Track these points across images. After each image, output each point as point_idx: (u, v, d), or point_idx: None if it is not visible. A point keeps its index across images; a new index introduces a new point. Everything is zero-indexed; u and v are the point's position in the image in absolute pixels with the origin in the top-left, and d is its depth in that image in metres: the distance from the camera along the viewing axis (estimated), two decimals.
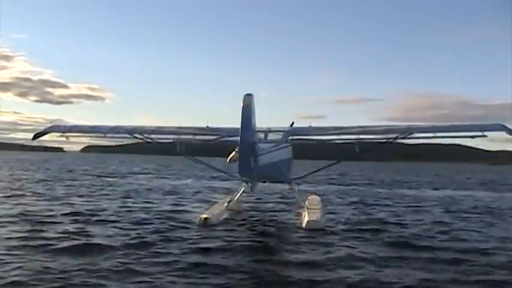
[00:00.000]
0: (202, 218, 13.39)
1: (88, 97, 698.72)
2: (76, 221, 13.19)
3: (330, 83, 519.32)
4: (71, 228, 12.00)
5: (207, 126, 16.19)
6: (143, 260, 8.98)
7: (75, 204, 17.22)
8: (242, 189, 15.99)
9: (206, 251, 9.98)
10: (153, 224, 13.22)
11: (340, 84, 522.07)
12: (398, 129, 14.64)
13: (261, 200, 19.95)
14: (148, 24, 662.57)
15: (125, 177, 36.84)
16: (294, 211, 16.40)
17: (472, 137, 13.81)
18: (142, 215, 14.73)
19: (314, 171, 17.37)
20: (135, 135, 15.39)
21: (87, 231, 11.57)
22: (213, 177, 35.96)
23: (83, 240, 10.51)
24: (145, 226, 12.76)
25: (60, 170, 45.63)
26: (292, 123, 16.51)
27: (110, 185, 27.35)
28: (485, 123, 14.21)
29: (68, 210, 15.31)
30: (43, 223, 12.62)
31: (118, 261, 8.76)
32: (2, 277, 7.60)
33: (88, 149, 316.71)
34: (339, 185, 34.36)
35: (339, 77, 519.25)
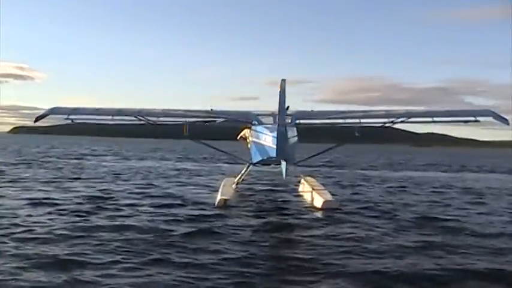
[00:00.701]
0: (222, 200, 13.89)
1: (16, 76, 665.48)
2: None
3: (263, 64, 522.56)
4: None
5: (211, 110, 16.57)
6: None
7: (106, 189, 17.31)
8: (247, 171, 16.45)
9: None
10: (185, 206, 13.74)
11: (273, 66, 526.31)
12: (398, 114, 15.60)
13: (255, 182, 20.45)
14: (83, 4, 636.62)
15: (91, 159, 36.69)
16: (292, 192, 17.29)
17: (466, 121, 15.09)
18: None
19: (315, 155, 18.00)
20: (140, 117, 15.42)
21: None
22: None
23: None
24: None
25: (13, 153, 43.97)
26: (287, 107, 17.08)
27: (83, 168, 27.14)
28: (477, 110, 15.56)
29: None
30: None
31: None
32: None
33: (16, 130, 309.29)
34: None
35: (272, 59, 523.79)
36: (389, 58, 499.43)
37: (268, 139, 13.44)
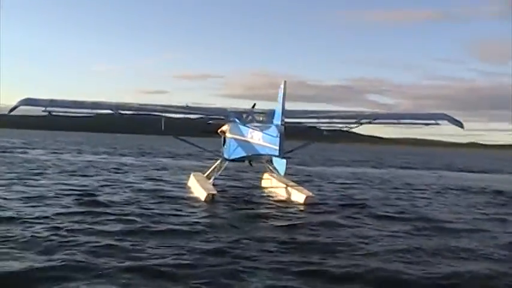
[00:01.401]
0: (210, 195, 14.17)
1: None
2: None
3: (174, 58, 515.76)
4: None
5: (187, 105, 16.77)
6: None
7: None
8: (223, 167, 16.75)
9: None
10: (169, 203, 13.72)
11: (183, 60, 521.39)
12: (366, 115, 16.69)
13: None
14: None
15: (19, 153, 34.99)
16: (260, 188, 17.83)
17: (427, 124, 16.53)
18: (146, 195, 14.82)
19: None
20: (119, 111, 15.35)
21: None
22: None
23: None
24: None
25: None
26: (254, 105, 17.52)
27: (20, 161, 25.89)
28: (433, 113, 17.15)
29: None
30: None
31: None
32: None
33: None
34: None
35: (182, 53, 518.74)
36: (297, 56, 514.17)
37: (259, 137, 13.88)
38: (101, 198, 13.64)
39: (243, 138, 15.00)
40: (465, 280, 7.20)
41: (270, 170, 17.17)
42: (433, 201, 16.76)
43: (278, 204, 14.33)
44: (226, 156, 16.53)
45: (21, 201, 12.54)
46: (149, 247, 8.38)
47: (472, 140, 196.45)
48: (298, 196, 14.84)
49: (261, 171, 18.89)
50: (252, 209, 13.32)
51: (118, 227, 9.84)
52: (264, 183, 18.25)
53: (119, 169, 24.57)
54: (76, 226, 9.69)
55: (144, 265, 7.31)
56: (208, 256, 7.95)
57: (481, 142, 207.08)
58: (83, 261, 7.30)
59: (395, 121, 16.87)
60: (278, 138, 12.42)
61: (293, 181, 16.78)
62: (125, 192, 15.42)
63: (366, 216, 12.61)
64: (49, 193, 14.27)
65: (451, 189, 21.07)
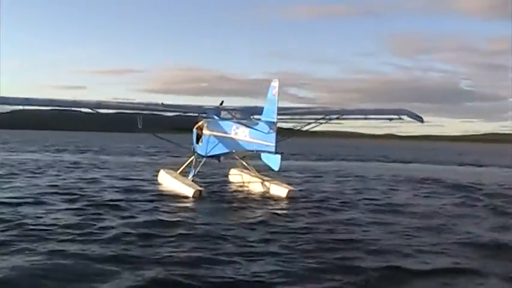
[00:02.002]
0: (198, 191, 14.38)
1: None
2: None
3: (91, 53, 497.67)
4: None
5: (162, 103, 16.89)
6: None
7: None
8: (200, 164, 16.85)
9: None
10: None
11: (101, 55, 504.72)
12: (334, 111, 17.46)
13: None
14: None
15: None
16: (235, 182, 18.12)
17: (391, 119, 17.61)
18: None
19: None
20: (97, 110, 15.55)
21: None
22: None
23: None
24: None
25: None
26: (222, 102, 17.72)
27: None
28: (396, 109, 18.29)
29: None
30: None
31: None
32: None
33: None
34: None
35: (99, 47, 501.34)
36: (219, 51, 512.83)
37: (245, 133, 14.20)
38: None
39: (225, 134, 15.22)
40: None
41: (243, 165, 17.50)
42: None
43: (262, 198, 14.85)
44: (202, 152, 16.58)
45: None
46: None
47: (388, 132, 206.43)
48: (281, 191, 15.33)
49: (216, 167, 19.23)
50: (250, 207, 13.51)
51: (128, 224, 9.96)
52: (234, 179, 18.49)
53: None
54: None
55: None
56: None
57: (397, 134, 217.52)
58: None
59: (362, 116, 17.77)
60: (273, 135, 12.86)
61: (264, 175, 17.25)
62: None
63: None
64: None
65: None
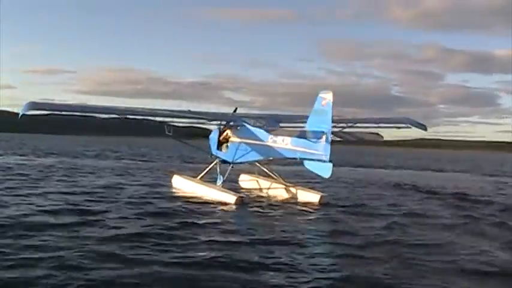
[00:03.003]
0: (239, 198, 14.93)
1: None
2: None
3: (22, 52, 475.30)
4: None
5: (189, 110, 17.18)
6: None
7: None
8: (227, 171, 16.95)
9: None
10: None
11: (32, 54, 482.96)
12: (347, 120, 18.17)
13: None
14: None
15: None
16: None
17: (399, 127, 18.61)
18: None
19: None
20: (128, 116, 15.70)
21: None
22: None
23: None
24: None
25: None
26: (235, 109, 18.01)
27: None
28: (402, 117, 19.35)
29: None
30: None
31: None
32: None
33: None
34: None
35: (31, 47, 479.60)
36: (157, 53, 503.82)
37: (286, 141, 14.74)
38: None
39: (260, 142, 15.59)
40: None
41: (265, 172, 17.90)
42: None
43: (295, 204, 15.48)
44: (228, 159, 16.82)
45: None
46: None
47: None
48: (313, 197, 16.03)
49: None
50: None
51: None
52: (249, 185, 18.86)
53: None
54: None
55: None
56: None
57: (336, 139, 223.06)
58: None
59: (375, 125, 18.65)
60: (322, 144, 13.51)
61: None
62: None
63: None
64: None
65: None
